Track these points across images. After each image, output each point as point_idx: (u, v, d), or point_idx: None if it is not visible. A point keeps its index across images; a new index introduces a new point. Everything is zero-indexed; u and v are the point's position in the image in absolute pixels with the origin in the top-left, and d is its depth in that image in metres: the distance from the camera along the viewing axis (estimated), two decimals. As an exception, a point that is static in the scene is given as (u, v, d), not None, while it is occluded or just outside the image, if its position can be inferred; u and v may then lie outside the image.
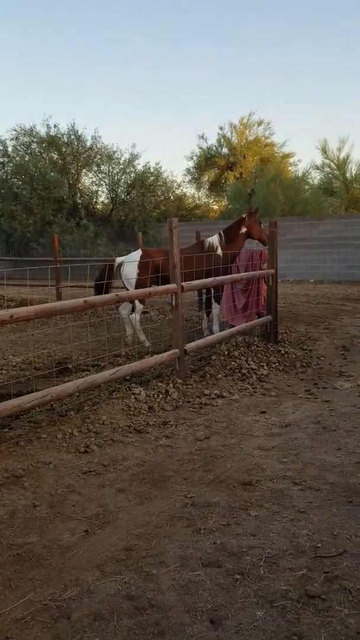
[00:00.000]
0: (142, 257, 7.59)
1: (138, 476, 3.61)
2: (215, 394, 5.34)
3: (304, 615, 2.26)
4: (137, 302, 7.70)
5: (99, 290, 7.67)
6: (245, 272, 8.11)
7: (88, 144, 21.81)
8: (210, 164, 27.51)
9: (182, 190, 24.83)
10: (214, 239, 8.13)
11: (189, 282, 5.93)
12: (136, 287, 7.31)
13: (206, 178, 28.09)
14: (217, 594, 2.40)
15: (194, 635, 2.17)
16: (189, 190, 27.96)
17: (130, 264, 7.61)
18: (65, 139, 21.63)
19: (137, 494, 3.38)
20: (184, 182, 26.92)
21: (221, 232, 8.24)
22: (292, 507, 3.16)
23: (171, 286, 5.57)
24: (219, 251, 8.01)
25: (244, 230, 8.10)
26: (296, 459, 3.83)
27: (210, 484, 3.48)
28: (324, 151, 22.17)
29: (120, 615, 2.29)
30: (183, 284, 5.70)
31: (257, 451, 3.98)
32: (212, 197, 28.29)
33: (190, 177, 27.93)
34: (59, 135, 21.64)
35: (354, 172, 21.57)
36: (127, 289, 7.52)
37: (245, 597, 2.38)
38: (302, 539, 2.82)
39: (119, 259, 8.07)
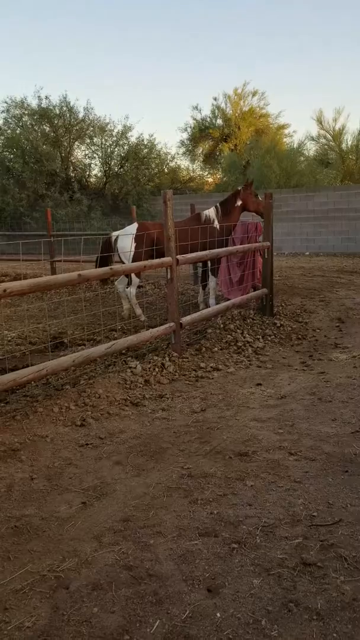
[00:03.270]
0: (138, 230, 7.52)
1: (135, 448, 3.62)
2: (211, 367, 5.34)
3: (300, 582, 2.28)
4: (133, 275, 7.65)
5: (100, 265, 7.63)
6: (240, 244, 8.06)
7: (80, 115, 21.39)
8: (205, 136, 27.13)
9: (176, 162, 24.50)
10: (211, 212, 8.05)
11: (184, 255, 5.87)
12: (133, 261, 7.25)
13: (200, 150, 27.75)
14: (214, 563, 2.42)
15: (191, 603, 2.19)
16: (183, 162, 27.69)
17: (126, 237, 7.54)
18: (57, 111, 21.20)
19: (134, 466, 3.39)
20: (177, 154, 26.55)
21: (217, 205, 8.15)
22: (288, 477, 3.18)
23: (166, 259, 5.51)
24: (216, 224, 7.94)
25: (239, 203, 8.01)
26: (292, 429, 3.85)
27: (206, 455, 3.49)
28: (320, 122, 21.88)
29: (119, 585, 2.31)
30: (178, 257, 5.65)
31: (253, 422, 4.00)
32: (207, 169, 27.98)
33: (184, 149, 27.62)
34: (51, 107, 21.20)
35: (349, 143, 21.34)
36: (124, 263, 7.46)
37: (242, 566, 2.40)
38: (298, 508, 2.85)
39: (115, 233, 8.00)
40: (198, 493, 3.02)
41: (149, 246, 7.31)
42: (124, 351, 5.53)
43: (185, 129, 27.51)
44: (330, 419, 4.03)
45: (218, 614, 2.13)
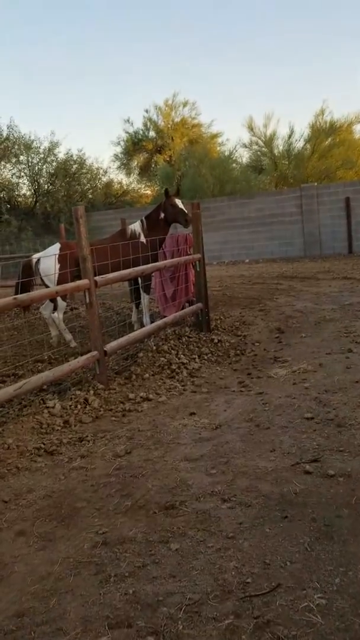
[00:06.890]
0: (61, 250, 7.00)
1: (43, 512, 3.09)
2: (140, 397, 4.86)
3: None
4: (59, 299, 7.12)
5: (22, 291, 7.01)
6: (171, 258, 7.64)
7: (4, 134, 20.66)
8: (139, 149, 26.87)
9: (109, 177, 24.06)
10: (136, 226, 7.60)
11: (104, 276, 5.38)
12: (58, 284, 6.70)
13: (135, 163, 27.45)
14: (123, 671, 1.94)
15: None
16: (119, 176, 27.26)
17: (48, 258, 6.99)
18: (-21, 130, 20.40)
19: (39, 535, 2.86)
20: (110, 168, 26.08)
21: (143, 218, 7.72)
22: (220, 532, 2.73)
23: (82, 282, 5.01)
24: (142, 238, 7.49)
25: (162, 215, 7.57)
26: (226, 468, 3.41)
27: (127, 512, 3.00)
28: (251, 128, 21.99)
29: None
30: (97, 278, 5.16)
31: (182, 463, 3.54)
32: (144, 182, 27.70)
33: (119, 163, 27.22)
34: (-28, 127, 20.39)
35: (281, 148, 21.51)
36: (48, 287, 6.90)
37: (158, 670, 1.93)
38: (230, 575, 2.40)
39: (36, 255, 7.45)
40: (112, 567, 2.53)
41: (74, 266, 6.78)
42: (44, 387, 4.98)
43: (119, 143, 27.16)
44: (268, 449, 3.63)
45: None
